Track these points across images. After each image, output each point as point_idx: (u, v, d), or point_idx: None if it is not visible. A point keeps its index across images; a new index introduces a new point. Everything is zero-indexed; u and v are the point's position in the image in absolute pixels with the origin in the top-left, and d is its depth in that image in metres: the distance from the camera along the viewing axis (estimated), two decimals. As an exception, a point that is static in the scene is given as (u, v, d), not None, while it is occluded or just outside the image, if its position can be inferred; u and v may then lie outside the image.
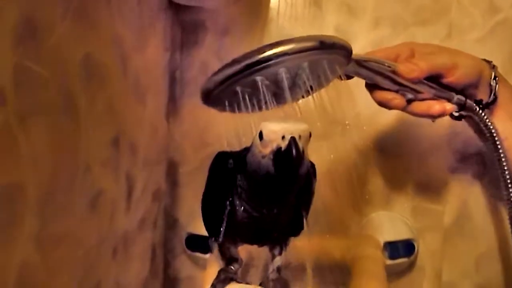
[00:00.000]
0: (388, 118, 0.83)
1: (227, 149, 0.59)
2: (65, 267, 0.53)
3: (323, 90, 0.83)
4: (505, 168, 0.64)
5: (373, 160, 0.85)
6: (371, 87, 0.64)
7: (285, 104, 0.57)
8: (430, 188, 0.84)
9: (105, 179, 0.63)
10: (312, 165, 0.58)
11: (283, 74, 0.52)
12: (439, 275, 0.85)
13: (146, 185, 0.79)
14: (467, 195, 0.83)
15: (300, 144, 0.49)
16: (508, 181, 0.64)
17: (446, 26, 0.82)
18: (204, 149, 0.88)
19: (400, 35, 0.82)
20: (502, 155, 0.64)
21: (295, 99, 0.58)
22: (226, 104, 0.55)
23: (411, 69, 0.61)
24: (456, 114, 0.67)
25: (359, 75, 0.63)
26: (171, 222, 0.91)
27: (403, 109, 0.64)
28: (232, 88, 0.53)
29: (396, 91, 0.63)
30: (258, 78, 0.52)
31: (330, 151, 0.85)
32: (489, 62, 0.66)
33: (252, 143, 0.54)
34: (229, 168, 0.57)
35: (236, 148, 0.59)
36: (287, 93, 0.54)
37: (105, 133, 0.62)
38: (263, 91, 0.53)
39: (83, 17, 0.54)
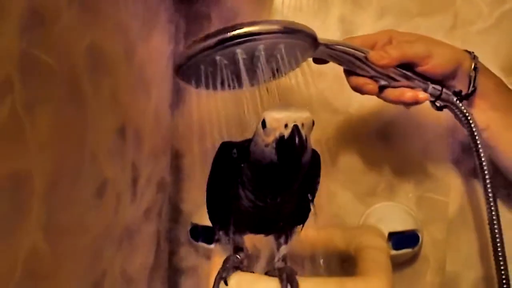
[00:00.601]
0: (392, 108, 0.82)
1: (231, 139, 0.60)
2: (72, 256, 0.54)
3: (326, 79, 0.83)
4: (482, 159, 0.66)
5: (377, 150, 0.84)
6: (348, 73, 0.66)
7: (245, 86, 0.58)
8: (434, 179, 0.84)
9: (111, 169, 0.63)
10: (316, 154, 0.58)
11: (239, 55, 0.53)
12: (443, 265, 0.85)
13: (151, 175, 0.79)
14: (471, 186, 0.83)
15: (303, 132, 0.49)
16: (485, 171, 0.66)
17: (451, 16, 0.82)
18: (208, 139, 0.88)
19: (404, 25, 0.82)
20: (479, 145, 0.66)
21: (256, 82, 0.59)
22: (193, 81, 0.58)
23: (381, 56, 0.62)
24: (434, 104, 0.68)
25: (332, 59, 0.64)
26: (175, 213, 0.91)
27: (377, 95, 0.65)
28: (197, 65, 0.56)
29: (371, 77, 0.64)
30: (218, 58, 0.54)
31: (334, 142, 0.85)
32: (470, 53, 0.66)
33: (255, 132, 0.54)
34: (233, 158, 0.57)
35: (239, 139, 0.59)
36: (244, 74, 0.55)
37: (111, 122, 0.62)
38: (222, 70, 0.55)
39: (88, 6, 0.54)
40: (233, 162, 0.56)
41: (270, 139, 0.51)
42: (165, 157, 0.87)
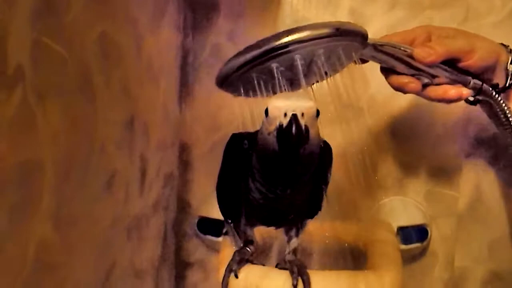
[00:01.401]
0: (402, 102, 0.83)
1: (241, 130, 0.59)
2: (82, 246, 0.53)
3: (337, 74, 0.82)
4: None
5: (386, 144, 0.84)
6: (387, 71, 0.64)
7: (299, 89, 0.57)
8: (443, 173, 0.83)
9: (120, 160, 0.63)
10: (328, 145, 0.57)
11: (298, 61, 0.52)
12: (451, 260, 0.84)
13: (159, 167, 0.79)
14: (481, 181, 0.83)
15: (303, 122, 0.48)
16: None
17: (463, 9, 0.81)
18: (216, 132, 0.88)
19: (416, 18, 0.81)
20: None
21: (309, 84, 0.58)
22: (241, 89, 0.56)
23: (427, 53, 0.60)
24: (472, 98, 0.66)
25: (375, 60, 0.62)
26: (182, 205, 0.91)
27: (419, 94, 0.64)
28: (248, 74, 0.54)
29: (412, 75, 0.62)
30: (274, 65, 0.53)
31: (343, 135, 0.84)
32: (506, 46, 0.65)
33: (262, 121, 0.54)
34: (244, 149, 0.56)
35: (250, 130, 0.58)
36: (302, 80, 0.54)
37: (120, 114, 0.62)
38: (278, 78, 0.53)
39: (99, -5, 0.54)
40: (244, 153, 0.56)
41: (272, 127, 0.50)
42: (173, 149, 0.87)
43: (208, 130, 0.89)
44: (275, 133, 0.50)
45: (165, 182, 0.83)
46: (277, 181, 0.54)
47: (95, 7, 0.53)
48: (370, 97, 0.83)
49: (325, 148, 0.57)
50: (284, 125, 0.49)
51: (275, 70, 0.53)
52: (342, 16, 0.84)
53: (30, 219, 0.43)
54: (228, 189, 0.59)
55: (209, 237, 0.86)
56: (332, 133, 0.79)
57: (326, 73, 0.57)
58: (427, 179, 0.84)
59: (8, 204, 0.40)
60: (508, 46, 0.65)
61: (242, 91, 0.56)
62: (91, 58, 0.53)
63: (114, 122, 0.60)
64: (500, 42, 0.78)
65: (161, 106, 0.78)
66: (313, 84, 0.58)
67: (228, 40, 0.87)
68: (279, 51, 0.51)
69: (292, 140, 0.48)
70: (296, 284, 0.53)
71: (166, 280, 0.87)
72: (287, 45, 0.51)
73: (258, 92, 0.55)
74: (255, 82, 0.54)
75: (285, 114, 0.49)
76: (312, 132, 0.50)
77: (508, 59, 0.63)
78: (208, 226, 0.87)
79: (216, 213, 0.65)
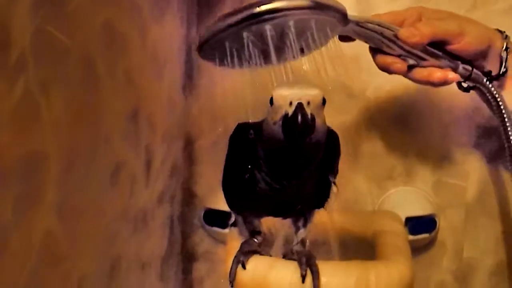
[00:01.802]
0: (409, 92, 0.82)
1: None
2: (87, 239, 0.53)
3: (343, 64, 0.81)
4: (511, 139, 0.63)
5: (394, 134, 0.83)
6: (374, 51, 0.63)
7: (272, 63, 0.56)
8: (452, 163, 0.83)
9: (125, 152, 0.62)
10: (334, 134, 0.56)
11: (268, 31, 0.51)
12: (460, 251, 0.84)
13: (165, 159, 0.78)
14: (489, 171, 0.82)
15: (309, 111, 0.48)
16: None
17: (471, -4, 0.79)
18: (221, 123, 0.87)
19: (423, 5, 0.80)
20: (508, 127, 0.62)
21: (284, 59, 0.57)
22: (217, 58, 0.56)
23: (412, 34, 0.59)
24: (465, 85, 0.65)
25: (359, 37, 0.61)
26: (188, 197, 0.90)
27: (405, 75, 0.63)
28: (222, 42, 0.53)
29: (399, 56, 0.61)
30: (245, 34, 0.52)
31: (350, 126, 0.83)
32: (501, 32, 0.64)
33: (267, 111, 0.53)
34: (250, 139, 0.55)
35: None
36: (272, 52, 0.52)
37: (124, 105, 0.61)
38: (249, 47, 0.52)
39: (102, -17, 0.53)
40: (250, 143, 0.55)
41: (277, 116, 0.50)
42: (178, 141, 0.86)
43: (213, 121, 0.88)
44: (280, 122, 0.49)
45: (170, 174, 0.82)
46: (283, 171, 0.54)
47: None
48: (377, 87, 0.82)
49: (332, 137, 0.56)
50: (290, 114, 0.48)
51: (245, 40, 0.52)
52: (348, 4, 0.82)
53: (35, 211, 0.43)
54: (234, 180, 0.59)
55: (216, 228, 0.86)
56: (339, 123, 0.78)
57: (302, 50, 0.56)
58: (435, 169, 0.83)
59: (12, 196, 0.39)
60: (504, 32, 0.64)
61: (218, 61, 0.56)
62: (95, 47, 0.52)
63: (118, 113, 0.60)
64: (509, 29, 0.77)
65: (166, 97, 0.77)
66: (287, 59, 0.57)
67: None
68: (249, 20, 0.50)
69: (298, 129, 0.48)
70: (305, 275, 0.53)
71: (172, 272, 0.86)
72: (255, 14, 0.50)
73: (232, 62, 0.55)
74: (228, 51, 0.54)
75: (290, 103, 0.48)
76: (318, 121, 0.49)
77: (503, 45, 0.62)
78: (214, 218, 0.86)
79: (222, 205, 0.64)
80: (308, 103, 0.48)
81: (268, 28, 0.51)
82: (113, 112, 0.57)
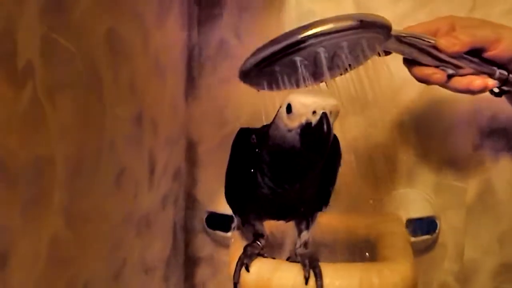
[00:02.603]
0: (410, 94, 0.82)
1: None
2: (93, 242, 0.53)
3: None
4: None
5: (395, 136, 0.83)
6: (410, 63, 0.63)
7: (323, 82, 0.56)
8: (453, 165, 0.83)
9: (129, 156, 0.63)
10: (335, 138, 0.57)
11: (322, 54, 0.52)
12: (461, 252, 0.84)
13: (167, 163, 0.79)
14: (490, 172, 0.82)
15: (331, 120, 0.48)
16: None
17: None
18: (223, 127, 0.88)
19: (423, 8, 0.80)
20: None
21: (333, 77, 0.57)
22: (265, 83, 0.56)
23: (452, 43, 0.59)
24: (497, 90, 0.65)
25: (399, 52, 0.61)
26: (191, 201, 0.91)
27: (444, 85, 0.63)
28: (271, 68, 0.53)
29: (436, 67, 0.61)
30: (297, 59, 0.52)
31: (352, 128, 0.84)
32: None
33: (276, 116, 0.53)
34: (252, 144, 0.56)
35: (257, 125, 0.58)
36: (326, 73, 0.53)
37: (128, 110, 0.62)
38: (302, 72, 0.53)
39: (105, -9, 0.54)
40: (252, 148, 0.56)
41: (295, 124, 0.50)
42: (180, 145, 0.87)
43: (215, 125, 0.89)
44: (298, 130, 0.49)
45: (173, 178, 0.83)
46: (288, 176, 0.54)
47: (102, 3, 0.53)
48: (379, 89, 0.82)
49: (334, 140, 0.56)
50: (313, 123, 0.48)
51: (298, 64, 0.52)
52: (347, 8, 0.83)
53: (43, 214, 0.43)
54: (236, 184, 0.59)
55: (218, 232, 0.86)
56: (341, 126, 0.79)
57: (350, 66, 0.57)
58: (436, 171, 0.84)
59: (20, 200, 0.40)
60: None
61: (266, 85, 0.56)
62: (99, 54, 0.53)
63: (122, 118, 0.60)
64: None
65: (168, 102, 0.78)
66: (336, 77, 0.57)
67: (234, 35, 0.87)
68: (302, 45, 0.51)
69: (321, 139, 0.48)
70: (308, 277, 0.53)
71: (175, 276, 0.87)
72: (310, 38, 0.50)
73: (282, 86, 0.55)
74: (279, 76, 0.54)
75: (314, 112, 0.48)
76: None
77: None
78: (217, 221, 0.86)
79: (224, 208, 0.65)
80: (330, 113, 0.48)
81: (321, 50, 0.52)
82: (117, 117, 0.58)
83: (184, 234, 0.91)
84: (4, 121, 0.37)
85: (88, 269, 0.52)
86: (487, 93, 0.66)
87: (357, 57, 0.55)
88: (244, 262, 0.56)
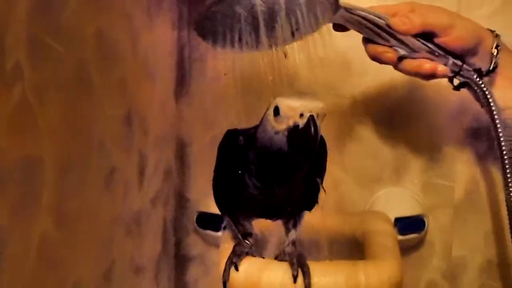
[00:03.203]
0: (397, 93, 0.83)
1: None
2: (83, 242, 0.54)
3: (330, 64, 0.82)
4: (501, 138, 0.64)
5: (382, 136, 0.84)
6: (367, 41, 0.64)
7: (264, 45, 0.56)
8: (440, 164, 0.84)
9: (119, 156, 0.63)
10: (322, 138, 0.58)
11: (259, 6, 0.52)
12: (449, 250, 0.85)
13: (158, 163, 0.79)
14: (477, 170, 0.83)
15: (318, 123, 0.49)
16: (504, 151, 0.65)
17: (455, 1, 0.81)
18: (213, 127, 0.88)
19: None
20: (498, 124, 0.64)
21: (275, 41, 0.57)
22: (211, 36, 0.57)
23: (403, 22, 0.61)
24: (456, 83, 0.66)
25: (352, 26, 0.62)
26: (181, 201, 0.91)
27: (395, 66, 0.64)
28: (215, 18, 0.54)
29: (390, 47, 0.63)
30: (237, 9, 0.53)
31: (339, 127, 0.85)
32: (492, 31, 0.65)
33: (264, 118, 0.54)
34: (239, 145, 0.56)
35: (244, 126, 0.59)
36: (262, 30, 0.54)
37: (117, 110, 0.62)
38: (239, 22, 0.54)
39: (94, -8, 0.54)
40: (240, 149, 0.56)
41: (282, 126, 0.50)
42: (170, 145, 0.87)
43: (205, 125, 0.89)
44: (286, 132, 0.50)
45: (163, 178, 0.83)
46: (275, 177, 0.55)
47: (91, 3, 0.53)
48: (365, 87, 0.83)
49: (320, 140, 0.57)
50: (301, 125, 0.49)
51: (237, 14, 0.53)
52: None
53: (32, 214, 0.44)
54: (223, 185, 0.60)
55: (209, 231, 0.87)
56: (327, 124, 0.79)
57: (293, 34, 0.57)
58: (424, 170, 0.84)
59: (9, 200, 0.40)
60: (494, 31, 0.65)
61: (211, 38, 0.57)
62: (88, 54, 0.53)
63: (111, 118, 0.61)
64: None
65: (158, 101, 0.78)
66: (278, 43, 0.58)
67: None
68: None
69: (309, 141, 0.49)
70: (296, 275, 0.54)
71: (166, 276, 0.87)
72: None
73: (225, 41, 0.56)
74: (220, 27, 0.55)
75: (301, 115, 0.49)
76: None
77: (493, 43, 0.63)
78: (207, 221, 0.87)
79: (214, 208, 0.65)
80: (317, 115, 0.49)
81: (258, 2, 0.52)
82: (106, 117, 0.58)
83: (175, 234, 0.91)
84: (-8, 121, 0.37)
85: (77, 269, 0.53)
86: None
87: (298, 23, 0.55)
88: (233, 261, 0.56)
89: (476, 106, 0.71)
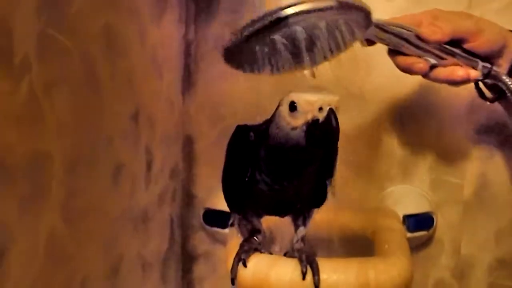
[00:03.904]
0: (406, 90, 0.82)
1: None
2: (90, 238, 0.54)
3: (340, 62, 0.82)
4: None
5: (391, 133, 0.84)
6: (394, 53, 0.64)
7: (304, 67, 0.56)
8: (449, 161, 0.83)
9: (126, 153, 0.63)
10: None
11: (299, 33, 0.52)
12: (458, 248, 0.84)
13: (164, 160, 0.79)
14: (486, 168, 0.82)
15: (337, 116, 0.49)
16: None
17: (466, -5, 0.80)
18: (220, 123, 0.88)
19: (418, 5, 0.80)
20: None
21: (314, 62, 0.57)
22: (246, 64, 0.55)
23: (433, 31, 0.60)
24: (489, 96, 0.67)
25: (381, 40, 0.62)
26: (188, 198, 0.91)
27: (426, 75, 0.63)
28: (251, 48, 0.53)
29: (419, 57, 0.62)
30: (276, 37, 0.52)
31: (348, 124, 0.84)
32: None
33: (276, 114, 0.53)
34: (250, 141, 0.56)
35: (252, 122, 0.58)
36: (305, 54, 0.53)
37: (125, 106, 0.62)
38: (280, 50, 0.53)
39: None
40: (250, 145, 0.56)
41: (299, 122, 0.50)
42: (177, 142, 0.87)
43: (212, 121, 0.89)
44: (304, 127, 0.50)
45: (170, 175, 0.83)
46: (286, 173, 0.54)
47: (98, -1, 0.53)
48: (374, 85, 0.83)
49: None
50: (321, 119, 0.48)
51: (277, 42, 0.52)
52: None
53: (40, 210, 0.43)
54: (233, 181, 0.59)
55: (216, 228, 0.86)
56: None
57: (331, 51, 0.57)
58: (432, 168, 0.84)
59: (18, 195, 0.40)
60: None
61: (247, 67, 0.56)
62: (96, 49, 0.53)
63: (119, 113, 0.60)
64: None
65: (165, 98, 0.78)
66: (317, 62, 0.57)
67: (230, 30, 0.86)
68: (280, 23, 0.50)
69: (330, 134, 0.49)
70: (306, 271, 0.53)
71: (173, 272, 0.87)
72: (287, 16, 0.50)
73: (262, 67, 0.55)
74: (259, 56, 0.54)
75: (320, 109, 0.49)
76: None
77: None
78: (214, 218, 0.87)
79: (222, 205, 0.65)
80: (336, 108, 0.49)
81: (299, 29, 0.52)
82: (114, 113, 0.58)
83: (182, 231, 0.91)
84: (1, 116, 0.37)
85: (85, 265, 0.52)
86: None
87: (337, 41, 0.55)
88: (242, 257, 0.56)
89: (485, 103, 0.70)
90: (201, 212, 0.88)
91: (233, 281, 0.56)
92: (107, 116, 0.56)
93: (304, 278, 0.53)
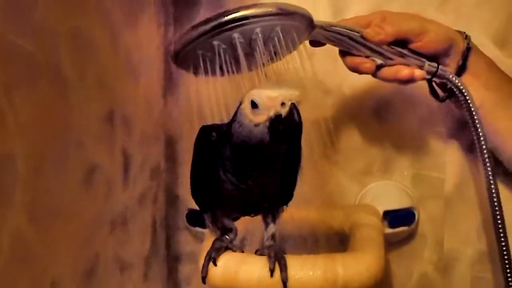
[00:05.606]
0: (386, 85, 0.81)
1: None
2: (60, 240, 0.54)
3: (318, 59, 0.82)
4: (480, 134, 0.66)
5: (371, 128, 0.84)
6: (344, 54, 0.66)
7: (244, 71, 0.58)
8: (429, 156, 0.83)
9: (99, 154, 0.63)
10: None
11: (236, 39, 0.53)
12: (440, 242, 0.84)
13: (144, 161, 0.79)
14: (467, 162, 0.82)
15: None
16: (483, 147, 0.66)
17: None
18: (202, 123, 0.88)
19: (395, 1, 0.81)
20: (476, 121, 0.66)
21: (254, 66, 0.58)
22: (191, 66, 0.58)
23: (376, 32, 0.62)
24: (441, 94, 0.70)
25: (329, 42, 0.64)
26: (172, 199, 0.91)
27: (373, 75, 0.66)
28: (195, 52, 0.56)
29: (367, 57, 0.64)
30: (215, 43, 0.54)
31: (327, 121, 0.84)
32: (462, 33, 0.67)
33: (238, 112, 0.54)
34: (212, 141, 0.56)
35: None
36: (242, 58, 0.55)
37: (97, 108, 0.62)
38: (219, 55, 0.55)
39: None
40: (213, 145, 0.56)
41: (262, 118, 0.50)
42: (158, 143, 0.87)
43: (194, 122, 0.89)
44: (267, 123, 0.50)
45: (151, 176, 0.83)
46: (250, 171, 0.55)
47: (65, 3, 0.53)
48: (353, 82, 0.83)
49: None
50: (284, 114, 0.49)
51: (216, 48, 0.54)
52: (322, 2, 0.84)
53: (3, 211, 0.44)
54: (199, 181, 0.60)
55: (198, 228, 0.87)
56: (315, 119, 0.79)
57: (272, 57, 0.58)
58: (413, 163, 0.84)
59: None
60: (464, 32, 0.67)
61: (192, 69, 0.59)
62: (62, 53, 0.53)
63: (91, 116, 0.61)
64: (481, 21, 0.78)
65: (143, 99, 0.78)
66: (258, 66, 0.58)
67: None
68: (219, 29, 0.53)
69: (294, 128, 0.49)
70: (274, 268, 0.54)
71: (157, 273, 0.87)
72: (227, 22, 0.53)
73: (205, 71, 0.58)
74: (201, 59, 0.56)
75: (283, 104, 0.49)
76: None
77: (464, 44, 0.65)
78: (197, 218, 0.87)
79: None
80: (297, 102, 0.49)
81: (236, 35, 0.53)
82: (84, 115, 0.58)
83: (166, 232, 0.92)
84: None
85: (55, 266, 0.53)
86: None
87: (275, 46, 0.57)
88: (212, 256, 0.57)
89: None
90: (185, 212, 0.89)
91: (203, 280, 0.57)
92: (76, 117, 0.56)
93: (272, 275, 0.54)
